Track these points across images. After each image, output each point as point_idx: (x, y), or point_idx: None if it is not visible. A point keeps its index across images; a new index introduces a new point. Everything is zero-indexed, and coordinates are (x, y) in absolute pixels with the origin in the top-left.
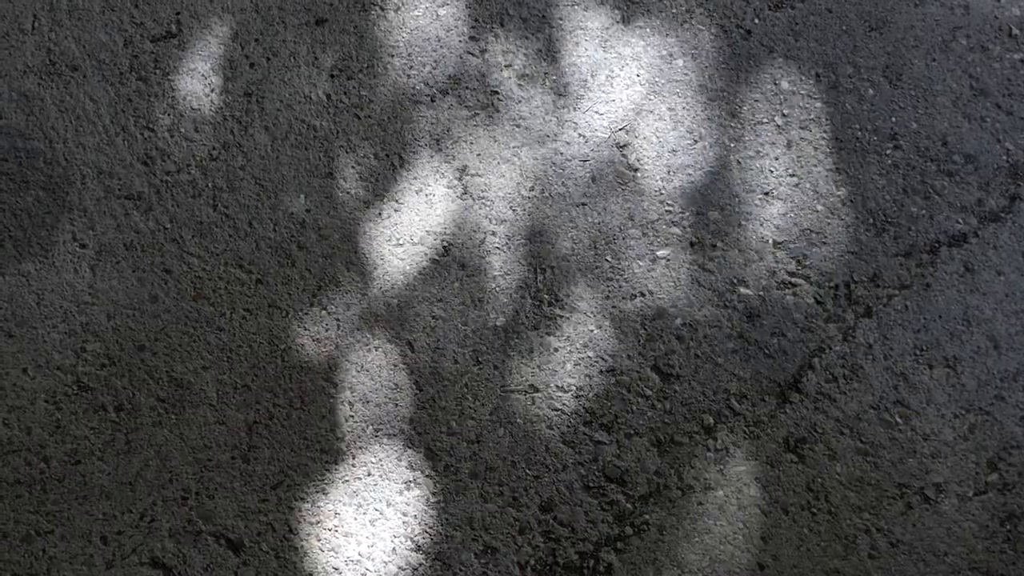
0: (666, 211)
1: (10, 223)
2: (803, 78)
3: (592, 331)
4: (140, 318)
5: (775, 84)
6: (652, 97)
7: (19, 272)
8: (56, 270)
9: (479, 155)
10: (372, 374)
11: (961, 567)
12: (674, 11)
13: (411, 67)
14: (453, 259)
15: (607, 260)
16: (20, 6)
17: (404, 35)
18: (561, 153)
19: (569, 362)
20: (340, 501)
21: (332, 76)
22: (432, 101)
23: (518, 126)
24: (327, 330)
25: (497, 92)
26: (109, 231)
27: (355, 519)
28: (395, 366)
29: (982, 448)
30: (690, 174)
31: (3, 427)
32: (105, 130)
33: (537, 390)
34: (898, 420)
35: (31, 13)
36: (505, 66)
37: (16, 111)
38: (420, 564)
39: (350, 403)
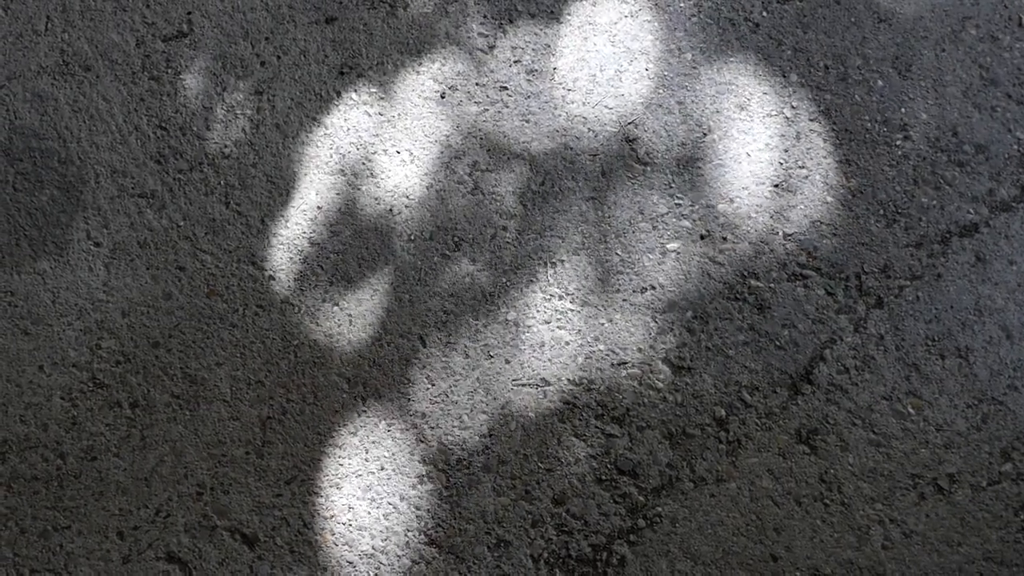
0: (676, 204)
1: (25, 222)
2: (812, 70)
3: (603, 324)
4: (154, 315)
5: (784, 76)
6: (661, 91)
7: (35, 270)
8: (71, 268)
9: (489, 150)
10: (384, 369)
11: (975, 557)
12: (682, 5)
13: (420, 63)
14: (464, 254)
15: (617, 254)
16: (33, 7)
17: (414, 32)
18: (571, 148)
19: (580, 355)
20: (354, 496)
21: (342, 73)
22: (442, 97)
23: (527, 121)
24: (339, 326)
25: (506, 87)
26: (123, 229)
27: (369, 513)
28: (407, 361)
29: (995, 438)
30: (700, 167)
31: (20, 424)
32: (118, 129)
33: (548, 384)
34: (910, 411)
35: (44, 14)
36: (514, 61)
37: (30, 111)
38: (434, 558)
39: (363, 398)
